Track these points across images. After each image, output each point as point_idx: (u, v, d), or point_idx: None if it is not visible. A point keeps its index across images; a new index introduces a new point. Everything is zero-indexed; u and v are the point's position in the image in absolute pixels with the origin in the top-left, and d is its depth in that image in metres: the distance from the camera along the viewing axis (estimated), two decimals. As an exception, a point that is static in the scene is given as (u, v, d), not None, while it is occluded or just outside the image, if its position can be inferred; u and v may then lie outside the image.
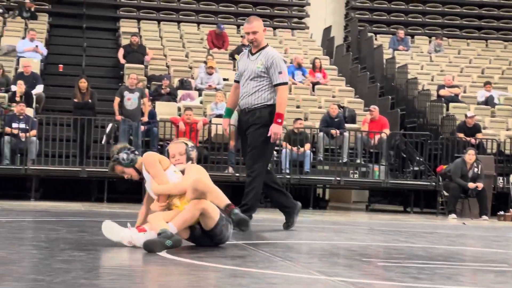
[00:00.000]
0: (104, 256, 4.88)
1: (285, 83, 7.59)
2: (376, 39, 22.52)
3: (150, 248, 5.17)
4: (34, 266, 4.24)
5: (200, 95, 17.31)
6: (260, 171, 7.59)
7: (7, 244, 5.69)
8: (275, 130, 7.44)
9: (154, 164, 5.71)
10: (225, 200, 5.76)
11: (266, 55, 7.61)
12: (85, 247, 5.44)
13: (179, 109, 16.42)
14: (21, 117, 14.58)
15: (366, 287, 3.96)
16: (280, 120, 7.46)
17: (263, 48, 7.68)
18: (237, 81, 7.91)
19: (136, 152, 5.92)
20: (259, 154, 7.55)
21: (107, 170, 16.10)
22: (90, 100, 15.14)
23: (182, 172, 5.85)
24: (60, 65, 19.00)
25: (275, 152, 15.56)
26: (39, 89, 16.49)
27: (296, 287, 3.92)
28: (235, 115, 15.26)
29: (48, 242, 5.68)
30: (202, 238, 5.64)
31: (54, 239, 5.96)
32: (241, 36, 20.50)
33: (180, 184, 5.69)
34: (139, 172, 5.90)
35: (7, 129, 14.48)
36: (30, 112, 15.12)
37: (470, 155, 14.03)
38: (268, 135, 7.47)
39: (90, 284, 3.62)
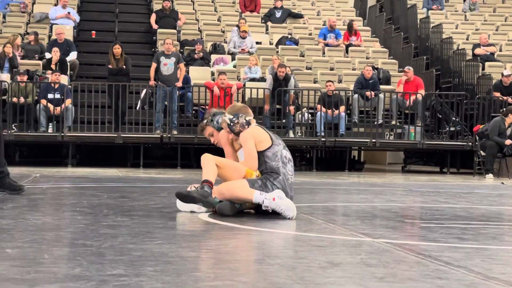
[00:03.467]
0: (148, 221, 4.91)
1: None
2: (409, -2, 22.21)
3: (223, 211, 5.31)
4: (81, 232, 4.29)
5: (233, 59, 17.27)
6: None
7: (51, 210, 5.76)
8: None
9: (247, 138, 5.55)
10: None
11: None
12: (128, 212, 5.48)
13: (212, 73, 16.40)
14: (56, 86, 14.66)
15: (413, 249, 3.95)
16: None
17: None
18: None
19: (231, 117, 5.71)
20: None
21: (142, 136, 16.09)
22: (124, 66, 15.15)
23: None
24: (92, 31, 19.03)
25: (310, 115, 15.54)
26: (73, 56, 16.55)
27: (343, 250, 3.92)
28: (269, 80, 15.29)
29: (91, 208, 5.73)
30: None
31: (97, 204, 6.01)
32: (273, -1, 20.37)
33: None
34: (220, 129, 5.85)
35: (43, 101, 14.56)
36: (64, 79, 15.19)
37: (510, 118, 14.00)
38: None
39: (138, 249, 3.64)
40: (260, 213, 5.43)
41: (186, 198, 5.28)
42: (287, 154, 5.63)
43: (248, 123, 5.60)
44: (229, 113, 5.68)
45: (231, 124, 5.59)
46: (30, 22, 18.32)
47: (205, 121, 5.88)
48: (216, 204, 5.37)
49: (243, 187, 5.35)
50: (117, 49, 15.06)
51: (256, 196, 5.30)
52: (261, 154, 5.53)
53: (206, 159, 5.44)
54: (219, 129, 5.79)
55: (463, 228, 5.04)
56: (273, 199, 5.27)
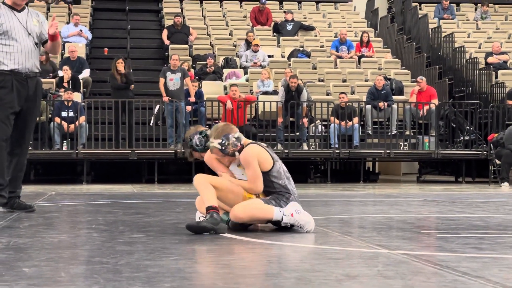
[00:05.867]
0: (164, 237, 4.91)
1: None
2: (420, 8, 22.22)
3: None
4: (98, 249, 4.29)
5: (245, 73, 17.31)
6: None
7: (67, 228, 5.78)
8: None
9: (251, 158, 5.31)
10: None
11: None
12: (144, 228, 5.48)
13: (225, 87, 16.44)
14: (69, 104, 14.73)
15: (430, 260, 3.93)
16: None
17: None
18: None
19: (206, 134, 5.57)
20: None
21: (156, 151, 16.00)
22: (125, 81, 15.09)
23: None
24: (105, 48, 19.14)
25: (323, 127, 15.54)
26: (85, 73, 16.64)
27: (360, 262, 3.90)
28: (281, 91, 15.31)
29: (107, 225, 5.74)
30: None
31: (112, 221, 6.02)
32: (284, 12, 20.42)
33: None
34: (196, 158, 5.71)
35: (57, 119, 14.63)
36: (77, 96, 15.27)
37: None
38: None
39: (155, 265, 3.64)
40: (276, 226, 5.41)
41: (198, 230, 5.18)
42: (285, 168, 5.49)
43: (239, 140, 5.35)
44: (215, 136, 5.36)
45: (223, 148, 5.32)
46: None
47: (188, 150, 5.67)
48: (225, 221, 5.34)
49: (260, 207, 5.23)
50: (120, 64, 15.04)
51: (276, 213, 5.22)
52: (266, 175, 5.33)
53: (200, 181, 5.25)
54: (202, 150, 5.57)
55: (480, 238, 5.01)
56: (291, 214, 5.23)
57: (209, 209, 5.16)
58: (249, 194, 5.35)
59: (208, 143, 5.51)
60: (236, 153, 5.34)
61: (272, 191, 5.35)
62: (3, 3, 6.76)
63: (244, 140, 5.39)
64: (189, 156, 5.74)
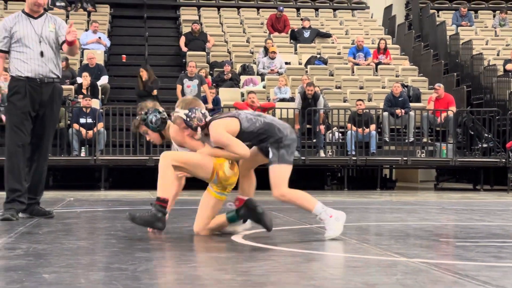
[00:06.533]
0: (182, 244, 4.92)
1: None
2: (438, 15, 22.16)
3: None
4: (116, 256, 4.31)
5: (262, 80, 17.33)
6: None
7: (86, 234, 5.80)
8: None
9: (221, 135, 5.20)
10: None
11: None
12: (162, 235, 5.49)
13: (242, 94, 16.46)
14: (88, 110, 14.80)
15: (450, 268, 3.91)
16: None
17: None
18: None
19: (165, 116, 5.57)
20: None
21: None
22: (151, 88, 15.24)
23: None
24: (123, 55, 19.22)
25: (340, 134, 15.51)
26: (104, 80, 16.72)
27: (378, 270, 3.89)
28: (298, 98, 15.30)
29: (125, 231, 5.76)
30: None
31: (130, 228, 6.03)
32: (301, 19, 20.43)
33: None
34: (163, 137, 5.67)
35: (75, 126, 14.70)
36: (96, 103, 15.33)
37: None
38: None
39: (174, 272, 3.65)
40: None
41: (134, 221, 5.19)
42: (251, 111, 5.44)
43: (205, 116, 5.27)
44: (182, 107, 5.27)
45: (188, 119, 5.23)
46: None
47: (138, 117, 5.61)
48: (233, 219, 5.35)
49: (305, 197, 5.22)
50: (142, 72, 15.25)
51: (317, 208, 5.22)
52: (242, 134, 5.23)
53: (163, 163, 5.22)
54: (153, 129, 5.55)
55: (499, 247, 4.99)
56: (330, 216, 5.22)
57: (157, 200, 5.22)
58: (219, 160, 5.24)
59: (163, 125, 5.49)
60: (198, 129, 5.25)
61: (260, 138, 5.25)
62: (22, 11, 6.82)
63: (209, 118, 5.31)
64: (135, 128, 5.67)
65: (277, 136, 5.23)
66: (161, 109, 5.65)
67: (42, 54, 6.68)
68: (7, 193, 6.70)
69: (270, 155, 5.26)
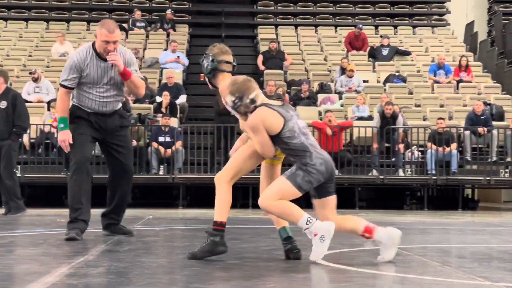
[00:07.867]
0: (260, 264, 4.89)
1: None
2: (521, 31, 21.66)
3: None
4: (195, 275, 4.30)
5: (340, 98, 17.23)
6: None
7: (165, 253, 5.83)
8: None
9: (253, 126, 5.03)
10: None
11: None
12: (240, 254, 5.48)
13: (319, 113, 16.40)
14: (167, 129, 14.98)
15: (538, 294, 3.76)
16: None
17: None
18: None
19: (215, 67, 5.51)
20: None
21: (250, 176, 16.01)
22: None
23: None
24: (201, 74, 19.34)
25: (420, 153, 15.27)
26: (182, 99, 16.91)
27: (462, 294, 3.78)
28: (377, 118, 15.13)
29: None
30: None
31: (209, 246, 6.02)
32: (381, 36, 20.27)
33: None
34: (215, 86, 5.54)
35: (154, 144, 14.89)
36: (174, 122, 15.51)
37: None
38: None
39: (252, 293, 3.62)
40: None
41: (200, 257, 5.07)
42: (303, 123, 5.12)
43: (253, 102, 5.03)
44: (230, 92, 5.08)
45: (235, 106, 5.06)
46: (141, 67, 18.85)
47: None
48: (285, 237, 5.23)
49: (290, 213, 4.96)
50: None
51: (301, 222, 4.91)
52: (277, 137, 4.99)
53: (217, 186, 5.25)
54: (205, 74, 5.53)
55: None
56: (314, 234, 4.89)
57: (214, 224, 5.15)
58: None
59: (212, 73, 5.46)
60: (249, 114, 5.07)
61: (290, 153, 5.03)
62: (93, 45, 6.60)
63: (261, 99, 5.11)
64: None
65: (305, 161, 5.01)
66: (222, 57, 5.62)
67: (112, 95, 6.69)
68: (70, 212, 6.67)
69: (289, 169, 5.13)
